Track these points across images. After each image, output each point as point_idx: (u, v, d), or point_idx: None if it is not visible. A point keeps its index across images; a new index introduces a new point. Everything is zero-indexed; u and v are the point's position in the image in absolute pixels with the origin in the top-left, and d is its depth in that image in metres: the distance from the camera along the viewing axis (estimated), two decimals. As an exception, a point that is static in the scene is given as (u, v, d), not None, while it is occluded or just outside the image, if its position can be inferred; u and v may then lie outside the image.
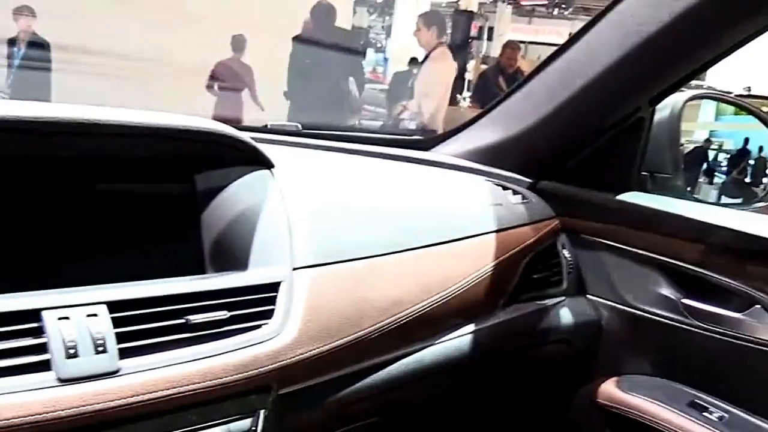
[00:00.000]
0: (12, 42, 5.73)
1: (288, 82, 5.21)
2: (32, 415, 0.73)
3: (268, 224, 1.00)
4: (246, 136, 1.03)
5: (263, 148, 1.05)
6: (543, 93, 1.45)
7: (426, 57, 5.01)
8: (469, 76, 12.95)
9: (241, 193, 1.03)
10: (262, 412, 0.91)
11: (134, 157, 0.98)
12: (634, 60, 1.29)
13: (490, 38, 19.85)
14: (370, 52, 13.57)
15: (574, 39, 1.40)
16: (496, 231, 1.30)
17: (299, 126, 1.58)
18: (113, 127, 0.89)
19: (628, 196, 1.42)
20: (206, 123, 0.99)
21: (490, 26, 20.08)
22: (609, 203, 1.43)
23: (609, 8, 1.32)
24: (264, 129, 1.52)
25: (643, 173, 1.47)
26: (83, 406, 0.76)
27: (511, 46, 6.59)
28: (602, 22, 1.34)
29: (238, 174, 1.04)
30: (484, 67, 12.71)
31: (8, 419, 0.72)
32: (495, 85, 6.24)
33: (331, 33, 5.14)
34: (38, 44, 5.60)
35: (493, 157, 1.52)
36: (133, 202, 0.99)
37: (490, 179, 1.47)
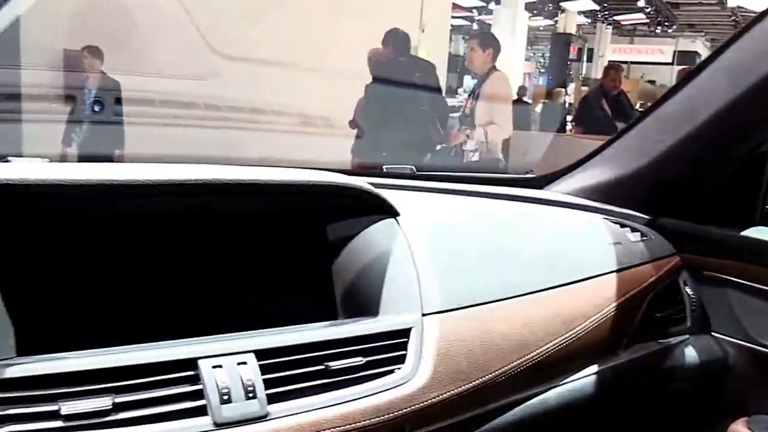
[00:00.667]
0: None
1: (364, 116, 4.73)
2: (187, 458, 0.79)
3: (397, 271, 1.05)
4: (370, 186, 1.08)
5: (387, 196, 1.10)
6: (661, 129, 1.44)
7: (481, 82, 4.69)
8: (570, 99, 12.82)
9: (370, 241, 1.08)
10: (397, 455, 0.95)
11: (267, 210, 1.05)
12: (759, 91, 1.28)
13: (590, 60, 19.61)
14: (467, 78, 13.62)
15: (692, 75, 1.39)
16: (617, 270, 1.31)
17: (413, 168, 1.63)
18: (247, 186, 0.96)
19: (752, 231, 1.40)
20: (333, 177, 1.05)
21: (589, 47, 19.85)
22: (732, 239, 1.41)
23: (732, 41, 1.31)
24: (381, 173, 1.58)
25: (768, 207, 1.45)
26: (238, 449, 0.81)
27: (614, 68, 6.50)
28: (725, 54, 1.33)
29: (366, 223, 1.09)
30: (585, 89, 12.56)
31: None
32: (598, 108, 6.16)
33: (408, 62, 4.68)
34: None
35: (609, 194, 1.52)
36: (266, 252, 1.05)
37: (608, 217, 1.47)
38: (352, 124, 4.80)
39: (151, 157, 1.20)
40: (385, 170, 1.61)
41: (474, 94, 4.74)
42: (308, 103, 5.42)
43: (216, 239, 1.01)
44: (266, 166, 1.08)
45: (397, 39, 4.64)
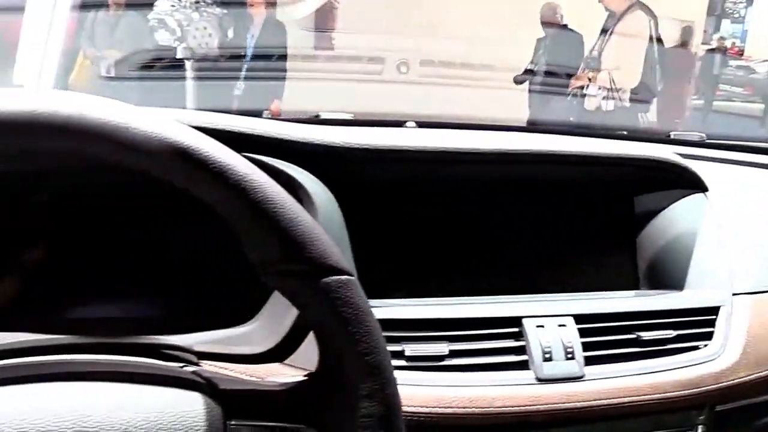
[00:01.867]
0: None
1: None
2: (518, 407, 0.87)
3: (705, 248, 1.05)
4: (682, 160, 1.09)
5: (699, 172, 1.10)
6: None
7: (618, 19, 4.12)
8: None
9: (678, 216, 1.09)
10: (700, 427, 0.97)
11: (577, 179, 1.09)
12: None
13: None
14: (725, 23, 12.50)
15: None
16: None
17: (703, 136, 1.59)
18: (572, 157, 1.01)
19: None
20: (648, 150, 1.07)
21: None
22: None
23: None
24: (668, 139, 1.56)
25: None
26: (556, 404, 0.88)
27: None
28: None
29: (675, 197, 1.10)
30: None
31: (499, 408, 0.87)
32: None
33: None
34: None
35: None
36: (571, 219, 1.10)
37: None
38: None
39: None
40: (672, 137, 1.58)
41: (606, 33, 4.28)
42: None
43: (522, 206, 1.08)
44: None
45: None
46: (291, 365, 0.84)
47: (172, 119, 0.52)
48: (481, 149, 0.97)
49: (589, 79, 4.09)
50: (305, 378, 0.56)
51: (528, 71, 4.17)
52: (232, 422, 0.52)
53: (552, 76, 4.07)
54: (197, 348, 0.85)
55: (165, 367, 0.56)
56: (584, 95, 4.09)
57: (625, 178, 1.10)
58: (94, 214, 0.93)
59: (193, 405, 0.51)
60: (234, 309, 0.92)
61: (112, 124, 0.48)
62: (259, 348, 0.85)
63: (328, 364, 0.54)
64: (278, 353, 0.84)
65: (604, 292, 1.01)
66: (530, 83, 4.17)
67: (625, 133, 1.62)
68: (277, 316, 0.86)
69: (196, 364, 0.83)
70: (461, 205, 1.04)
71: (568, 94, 4.13)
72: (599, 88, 4.00)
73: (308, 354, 0.85)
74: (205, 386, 0.53)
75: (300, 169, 0.88)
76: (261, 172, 0.52)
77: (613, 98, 4.00)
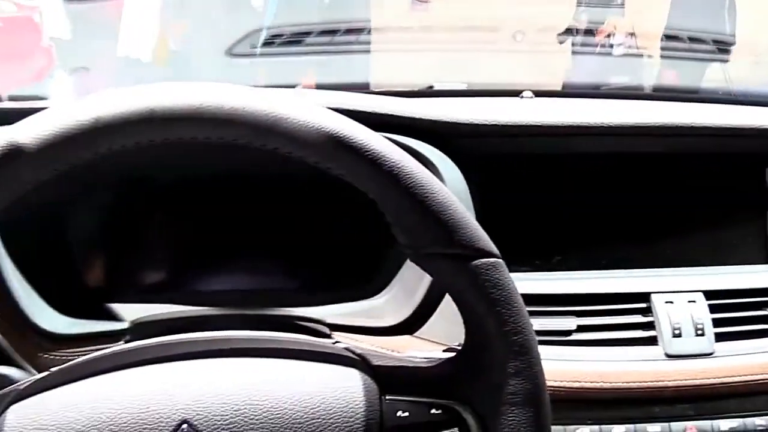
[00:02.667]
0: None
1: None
2: (646, 383, 0.87)
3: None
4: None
5: None
6: None
7: None
8: None
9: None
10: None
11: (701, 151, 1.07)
12: None
13: None
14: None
15: None
16: None
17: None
18: (707, 129, 0.99)
19: None
20: None
21: None
22: None
23: None
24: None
25: None
26: (684, 380, 0.88)
27: None
28: None
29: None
30: None
31: (627, 383, 0.87)
32: None
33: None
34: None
35: None
36: (699, 191, 1.07)
37: None
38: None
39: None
40: None
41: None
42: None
43: (648, 178, 1.06)
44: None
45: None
46: (421, 338, 0.87)
47: (320, 105, 0.54)
48: (613, 123, 0.96)
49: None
50: (453, 355, 0.58)
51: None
52: (387, 397, 0.54)
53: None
54: (329, 320, 0.89)
55: (320, 343, 0.60)
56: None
57: (758, 149, 1.07)
58: (230, 190, 0.98)
59: (350, 380, 0.54)
60: (363, 282, 0.95)
61: (273, 115, 0.51)
62: (389, 321, 0.88)
63: (475, 343, 0.56)
64: (408, 326, 0.87)
65: (734, 267, 0.99)
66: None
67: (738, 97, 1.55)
68: (407, 289, 0.89)
69: (329, 336, 0.88)
70: (583, 177, 1.04)
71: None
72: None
73: (437, 326, 0.87)
74: (360, 362, 0.56)
75: (428, 146, 0.89)
76: (411, 158, 0.54)
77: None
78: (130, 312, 0.92)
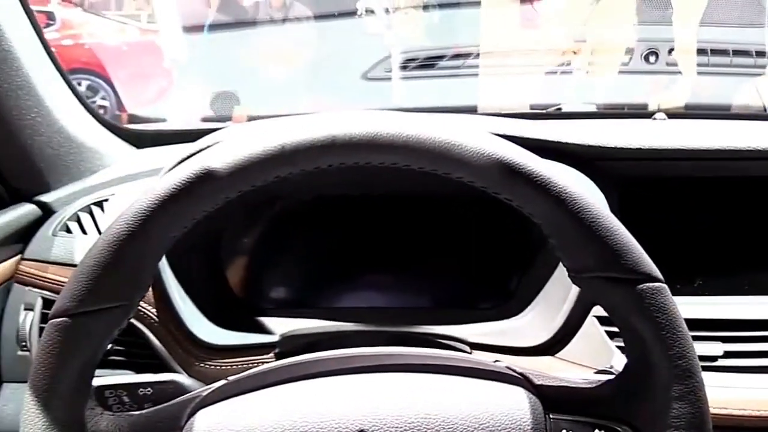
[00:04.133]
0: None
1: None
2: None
3: None
4: None
5: None
6: None
7: None
8: None
9: None
10: None
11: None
12: None
13: None
14: None
15: None
16: None
17: None
18: None
19: None
20: None
21: None
22: None
23: None
24: None
25: None
26: None
27: None
28: None
29: None
30: None
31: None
32: None
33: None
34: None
35: None
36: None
37: None
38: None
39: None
40: None
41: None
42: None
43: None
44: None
45: None
46: (562, 359, 0.87)
47: (487, 132, 0.56)
48: (761, 147, 0.94)
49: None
50: (612, 377, 0.59)
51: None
52: (551, 416, 0.56)
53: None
54: (471, 339, 0.91)
55: (482, 361, 0.61)
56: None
57: None
58: (368, 209, 1.01)
59: (516, 399, 0.56)
60: (500, 302, 0.97)
61: (446, 142, 0.54)
62: (529, 341, 0.89)
63: (638, 365, 0.56)
64: (549, 347, 0.88)
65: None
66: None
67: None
68: (548, 311, 0.89)
69: (469, 354, 0.89)
70: (723, 200, 1.02)
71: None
72: None
73: (577, 349, 0.88)
74: (523, 381, 0.58)
75: (573, 169, 0.90)
76: (577, 183, 0.55)
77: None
78: (275, 325, 0.97)
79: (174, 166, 0.82)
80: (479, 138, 0.54)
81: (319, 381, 0.58)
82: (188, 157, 0.79)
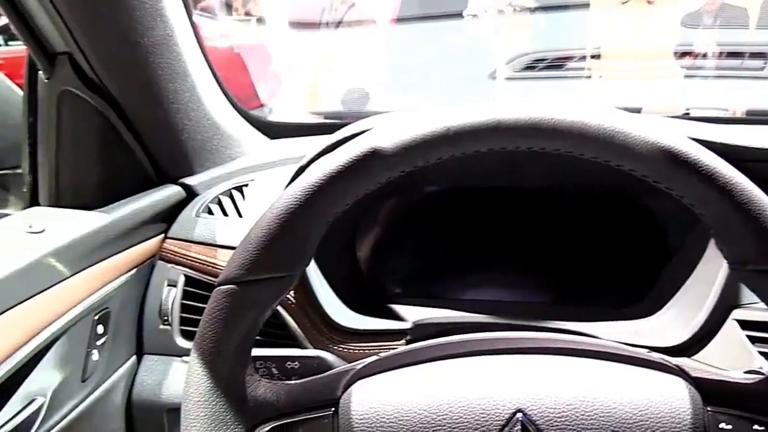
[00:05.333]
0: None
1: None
2: None
3: None
4: None
5: None
6: None
7: None
8: None
9: None
10: None
11: None
12: None
13: None
14: None
15: None
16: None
17: None
18: None
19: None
20: None
21: None
22: None
23: None
24: None
25: None
26: None
27: None
28: None
29: None
30: None
31: None
32: None
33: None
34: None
35: None
36: None
37: None
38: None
39: None
40: None
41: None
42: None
43: None
44: None
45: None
46: (700, 361, 0.85)
47: (653, 124, 0.56)
48: None
49: None
50: None
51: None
52: (709, 408, 0.55)
53: None
54: (604, 338, 0.89)
55: (636, 350, 0.61)
56: None
57: None
58: (498, 201, 1.02)
59: (675, 388, 0.55)
60: (634, 301, 0.95)
61: (611, 130, 0.54)
62: (667, 341, 0.87)
63: None
64: (687, 348, 0.86)
65: None
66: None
67: None
68: (686, 312, 0.88)
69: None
70: None
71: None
72: None
73: (715, 351, 0.86)
74: (679, 372, 0.57)
75: None
76: (742, 174, 0.54)
77: None
78: (406, 313, 0.98)
79: (323, 152, 0.85)
80: (644, 126, 0.54)
81: (476, 360, 0.59)
82: (338, 143, 0.82)
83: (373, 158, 0.56)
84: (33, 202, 1.03)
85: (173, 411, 0.97)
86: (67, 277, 0.87)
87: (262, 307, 0.60)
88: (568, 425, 0.53)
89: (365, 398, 0.58)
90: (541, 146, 0.56)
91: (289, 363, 0.73)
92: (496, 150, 0.57)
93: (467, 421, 0.55)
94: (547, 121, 0.55)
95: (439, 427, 0.55)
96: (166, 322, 1.00)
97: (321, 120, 1.28)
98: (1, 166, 1.08)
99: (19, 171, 1.03)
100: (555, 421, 0.53)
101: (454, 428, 0.55)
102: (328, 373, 0.64)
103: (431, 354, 0.60)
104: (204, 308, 0.59)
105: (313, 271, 0.93)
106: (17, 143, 1.02)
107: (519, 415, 0.54)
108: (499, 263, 1.04)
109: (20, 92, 1.02)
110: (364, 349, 0.92)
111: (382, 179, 0.58)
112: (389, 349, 0.91)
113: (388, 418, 0.56)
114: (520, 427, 0.54)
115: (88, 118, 1.00)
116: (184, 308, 0.99)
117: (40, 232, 0.87)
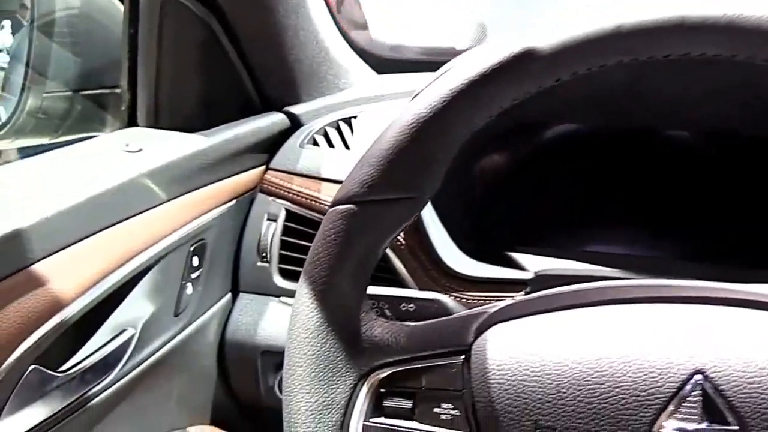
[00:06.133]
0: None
1: None
2: None
3: None
4: None
5: None
6: None
7: None
8: None
9: None
10: None
11: None
12: None
13: None
14: None
15: None
16: None
17: None
18: None
19: None
20: None
21: None
22: None
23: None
24: None
25: None
26: None
27: None
28: None
29: None
30: None
31: None
32: None
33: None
34: None
35: None
36: None
37: None
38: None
39: None
40: None
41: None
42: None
43: None
44: None
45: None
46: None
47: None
48: None
49: None
50: None
51: None
52: None
53: None
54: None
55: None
56: None
57: None
58: (625, 147, 0.90)
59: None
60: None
61: None
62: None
63: None
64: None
65: None
66: None
67: None
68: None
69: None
70: None
71: None
72: None
73: None
74: None
75: None
76: None
77: None
78: (526, 262, 0.88)
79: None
80: None
81: (638, 308, 0.48)
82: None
83: (524, 60, 0.46)
84: (131, 122, 0.97)
85: (268, 354, 0.91)
86: (164, 202, 0.80)
87: (383, 232, 0.51)
88: (762, 392, 0.42)
89: (503, 346, 0.48)
90: (730, 50, 0.44)
91: (404, 305, 0.64)
92: (674, 58, 0.46)
93: (633, 381, 0.44)
94: (745, 17, 0.43)
95: (596, 385, 0.45)
96: (264, 259, 0.93)
97: (433, 57, 1.18)
98: (100, 85, 1.02)
99: (117, 90, 0.97)
100: (745, 387, 0.42)
101: (616, 388, 0.44)
102: (453, 315, 0.55)
103: (580, 299, 0.50)
104: (306, 246, 0.50)
105: (427, 212, 0.84)
106: (116, 61, 0.96)
107: (698, 377, 0.43)
108: (632, 214, 0.92)
109: (120, 6, 0.96)
110: (478, 299, 0.83)
111: (534, 88, 0.48)
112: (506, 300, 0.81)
113: (532, 371, 0.47)
114: (700, 391, 0.43)
115: (192, 30, 0.93)
116: (284, 245, 0.91)
117: (137, 151, 0.81)
